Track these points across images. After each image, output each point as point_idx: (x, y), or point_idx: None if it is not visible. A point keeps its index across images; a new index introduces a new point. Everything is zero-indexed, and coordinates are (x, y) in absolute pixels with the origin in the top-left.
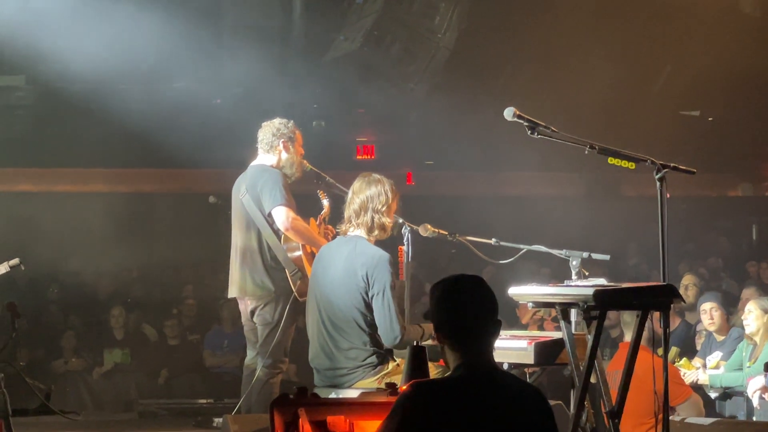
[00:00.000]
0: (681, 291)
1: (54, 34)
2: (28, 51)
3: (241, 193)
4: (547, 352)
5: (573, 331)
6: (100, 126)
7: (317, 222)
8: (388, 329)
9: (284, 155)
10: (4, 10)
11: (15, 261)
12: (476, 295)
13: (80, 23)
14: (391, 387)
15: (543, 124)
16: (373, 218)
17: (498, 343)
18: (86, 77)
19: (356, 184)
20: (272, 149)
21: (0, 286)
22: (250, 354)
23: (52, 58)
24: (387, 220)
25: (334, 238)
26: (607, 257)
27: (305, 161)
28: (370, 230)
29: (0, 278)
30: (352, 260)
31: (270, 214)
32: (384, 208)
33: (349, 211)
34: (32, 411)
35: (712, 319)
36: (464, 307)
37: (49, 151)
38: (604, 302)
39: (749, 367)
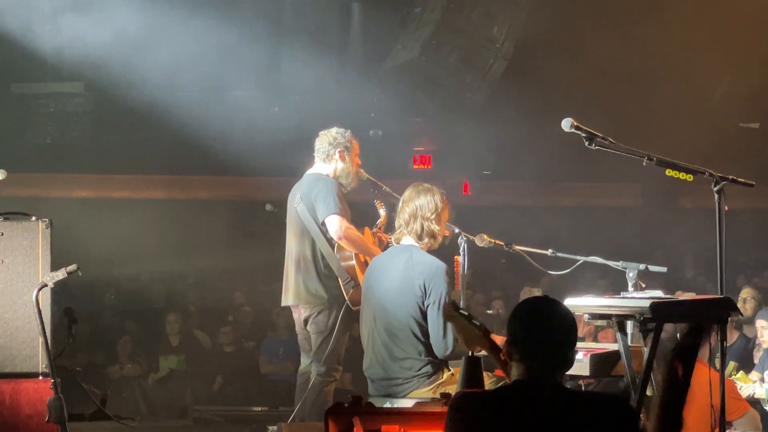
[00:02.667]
0: (739, 304)
1: (112, 41)
2: (87, 58)
3: (295, 201)
4: (603, 363)
5: (629, 343)
6: (157, 133)
7: (372, 231)
8: (440, 340)
9: (340, 164)
10: (65, 18)
11: (72, 267)
12: (540, 316)
13: (138, 31)
14: (446, 397)
15: (601, 135)
16: (422, 225)
17: None
18: (144, 84)
19: (406, 194)
20: (329, 158)
21: (57, 292)
22: (304, 362)
23: (110, 66)
24: (436, 228)
25: (386, 246)
26: (664, 269)
27: (362, 170)
28: (419, 238)
29: (57, 283)
30: (409, 269)
31: (323, 223)
32: (433, 216)
33: (399, 220)
34: (88, 416)
35: (762, 336)
36: (527, 326)
37: (106, 157)
38: (660, 315)
39: None
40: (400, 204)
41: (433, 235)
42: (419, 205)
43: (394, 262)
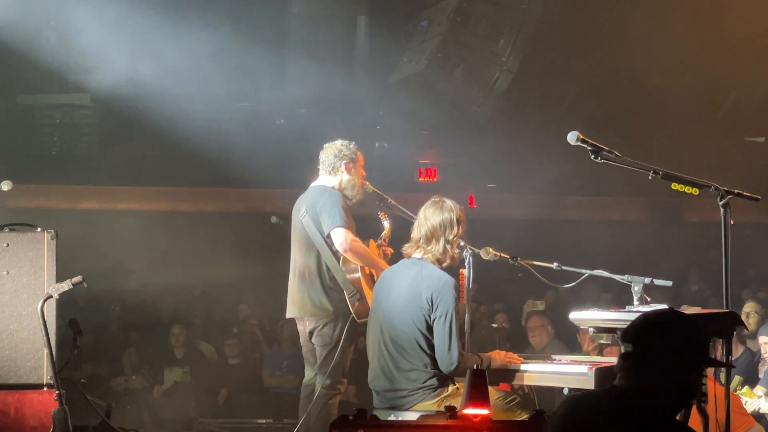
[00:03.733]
0: (742, 318)
1: (119, 53)
2: (94, 70)
3: (300, 213)
4: (608, 377)
5: None
6: (163, 145)
7: (377, 243)
8: (446, 354)
9: (345, 177)
10: (71, 29)
11: (78, 278)
12: (645, 332)
13: (145, 43)
14: (451, 410)
15: (606, 148)
16: (445, 248)
17: (557, 368)
18: (150, 96)
19: (429, 210)
20: (334, 170)
21: (62, 303)
22: (309, 374)
23: (117, 77)
24: (457, 252)
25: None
26: (669, 283)
27: (367, 182)
28: (440, 261)
29: (63, 295)
30: (418, 282)
31: (329, 236)
32: (455, 239)
33: (417, 234)
34: (92, 428)
35: (767, 353)
36: (633, 339)
37: (112, 169)
38: None
39: None
40: (421, 218)
41: (453, 259)
42: (442, 226)
43: (403, 274)
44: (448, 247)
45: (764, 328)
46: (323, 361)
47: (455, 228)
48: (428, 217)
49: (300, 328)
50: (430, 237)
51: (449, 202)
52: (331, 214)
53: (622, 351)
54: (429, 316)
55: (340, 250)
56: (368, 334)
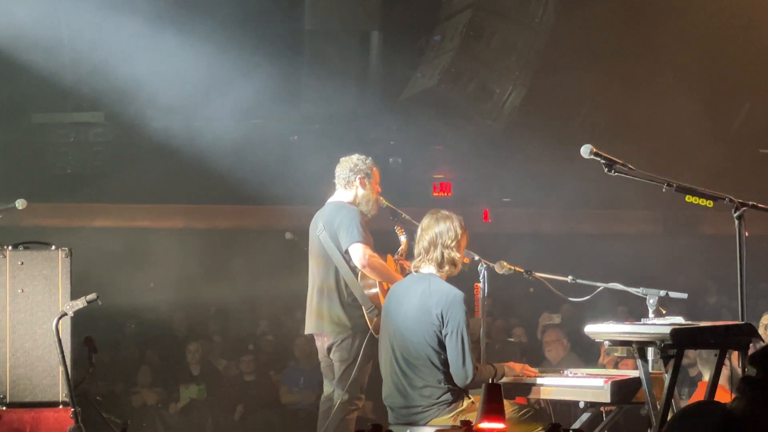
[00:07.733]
0: (760, 330)
1: (133, 71)
2: (108, 88)
3: (318, 229)
4: (624, 390)
5: (650, 369)
6: (177, 162)
7: (394, 258)
8: (460, 369)
9: (360, 191)
10: (85, 47)
11: (92, 296)
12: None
13: (159, 61)
14: (466, 425)
15: (620, 161)
16: (443, 254)
17: (573, 381)
18: (164, 114)
19: (425, 221)
20: (349, 185)
21: (77, 321)
22: (328, 388)
23: (130, 96)
24: (457, 255)
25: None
26: (684, 296)
27: (382, 198)
28: (440, 266)
29: (77, 313)
30: (426, 298)
31: (347, 251)
32: (453, 244)
33: (419, 248)
34: None
35: None
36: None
37: (126, 187)
38: (681, 341)
39: None
40: (419, 232)
41: (453, 263)
42: (439, 233)
43: (412, 290)
44: (446, 252)
45: None
46: (341, 376)
47: (451, 233)
48: (424, 228)
49: (318, 343)
50: (429, 247)
51: (444, 212)
52: (349, 230)
53: (746, 373)
54: (440, 332)
55: (359, 266)
56: (380, 351)
